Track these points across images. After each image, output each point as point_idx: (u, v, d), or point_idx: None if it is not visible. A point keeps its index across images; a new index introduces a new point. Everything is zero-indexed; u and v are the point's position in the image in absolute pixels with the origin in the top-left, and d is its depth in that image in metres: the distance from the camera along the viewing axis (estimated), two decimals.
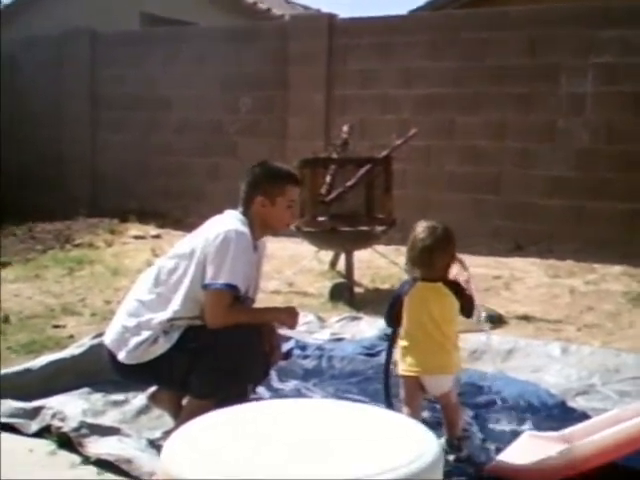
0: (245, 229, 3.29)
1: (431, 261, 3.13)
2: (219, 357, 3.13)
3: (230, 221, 3.32)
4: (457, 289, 3.18)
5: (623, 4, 8.10)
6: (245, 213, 3.40)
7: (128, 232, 9.09)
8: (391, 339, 3.50)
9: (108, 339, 3.31)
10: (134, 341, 3.19)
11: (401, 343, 3.23)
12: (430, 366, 3.14)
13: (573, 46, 8.23)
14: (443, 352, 3.14)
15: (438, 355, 3.14)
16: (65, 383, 3.91)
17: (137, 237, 8.83)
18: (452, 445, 3.18)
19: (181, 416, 3.27)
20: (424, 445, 2.20)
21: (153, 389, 3.54)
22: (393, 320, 3.28)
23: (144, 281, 3.38)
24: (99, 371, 3.99)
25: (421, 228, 3.17)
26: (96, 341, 4.20)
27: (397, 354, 3.29)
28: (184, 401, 3.43)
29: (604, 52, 8.10)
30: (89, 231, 8.95)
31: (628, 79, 8.00)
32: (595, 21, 8.13)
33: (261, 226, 3.41)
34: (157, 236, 8.98)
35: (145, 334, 3.18)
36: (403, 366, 3.20)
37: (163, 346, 3.17)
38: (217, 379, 3.14)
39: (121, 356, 3.22)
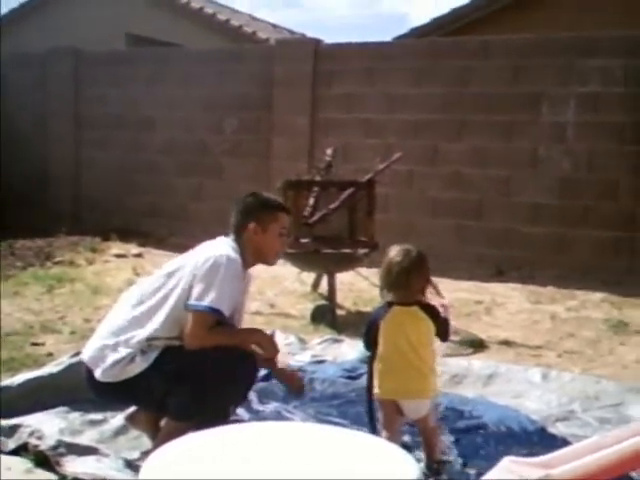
0: (237, 256, 3.30)
1: (407, 284, 3.14)
2: (197, 379, 3.10)
3: (222, 247, 3.32)
4: (432, 312, 3.18)
5: (605, 35, 8.21)
6: (237, 241, 3.40)
7: (110, 250, 9.05)
8: (370, 362, 3.51)
9: (86, 355, 3.28)
10: (111, 359, 3.16)
11: (378, 367, 3.23)
12: (407, 390, 3.14)
13: (555, 75, 8.34)
14: (420, 376, 3.14)
15: (415, 379, 3.14)
16: (43, 401, 3.86)
17: (118, 255, 8.78)
18: (431, 468, 3.18)
19: (159, 437, 3.23)
20: (403, 469, 2.19)
21: (131, 410, 3.51)
22: (370, 344, 3.28)
23: (126, 299, 3.37)
24: (77, 390, 3.94)
25: (395, 252, 3.19)
26: (75, 359, 4.15)
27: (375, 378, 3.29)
28: (162, 422, 3.39)
29: (586, 82, 8.20)
30: (70, 249, 8.89)
31: (610, 108, 8.10)
32: (577, 51, 8.24)
33: (253, 254, 3.42)
34: (139, 255, 8.94)
35: (122, 352, 3.16)
36: (380, 390, 3.19)
37: (140, 365, 3.14)
38: (195, 402, 3.11)
39: (97, 373, 3.19)
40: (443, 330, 3.22)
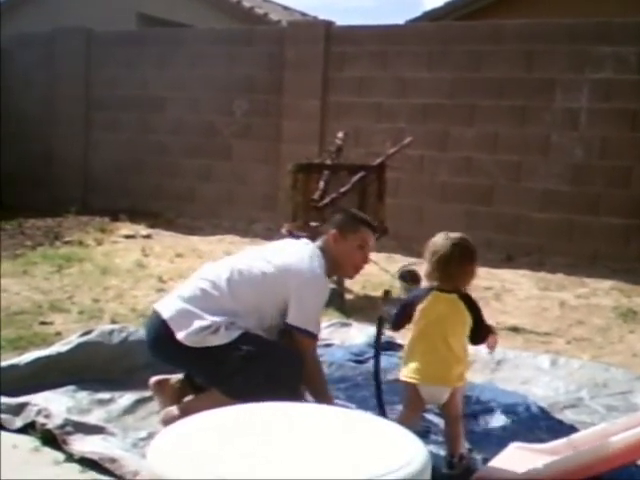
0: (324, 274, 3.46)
1: (447, 271, 3.12)
2: (268, 371, 3.21)
3: (313, 262, 3.44)
4: (472, 305, 3.17)
5: (618, 21, 8.15)
6: (321, 248, 3.53)
7: (119, 231, 9.05)
8: (377, 346, 3.51)
9: (167, 314, 3.32)
10: (197, 324, 3.24)
11: (405, 348, 3.24)
12: (427, 376, 3.12)
13: (569, 61, 8.28)
14: (444, 364, 3.11)
15: (437, 366, 3.12)
16: (51, 380, 3.86)
17: (127, 236, 8.78)
18: (450, 463, 3.14)
19: (194, 403, 3.35)
20: (412, 453, 2.18)
21: (160, 377, 3.57)
22: (400, 323, 3.28)
23: (211, 275, 3.44)
24: (86, 369, 3.99)
25: (440, 238, 3.19)
26: (84, 339, 4.17)
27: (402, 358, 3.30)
28: (185, 399, 3.50)
29: (599, 68, 8.14)
30: (79, 229, 8.91)
31: (623, 95, 8.05)
32: (591, 37, 8.18)
33: (332, 264, 3.52)
34: (147, 236, 8.94)
35: (209, 320, 3.24)
36: (403, 372, 3.19)
37: (222, 338, 3.23)
38: (260, 387, 3.15)
39: (180, 335, 3.24)
40: (481, 332, 3.20)
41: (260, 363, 3.22)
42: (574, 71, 8.25)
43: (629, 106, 8.02)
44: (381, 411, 3.41)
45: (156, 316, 3.39)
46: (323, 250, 3.51)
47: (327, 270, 3.48)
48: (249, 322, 3.33)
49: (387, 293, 3.58)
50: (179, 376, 3.59)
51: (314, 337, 3.44)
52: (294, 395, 3.28)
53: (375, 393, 3.50)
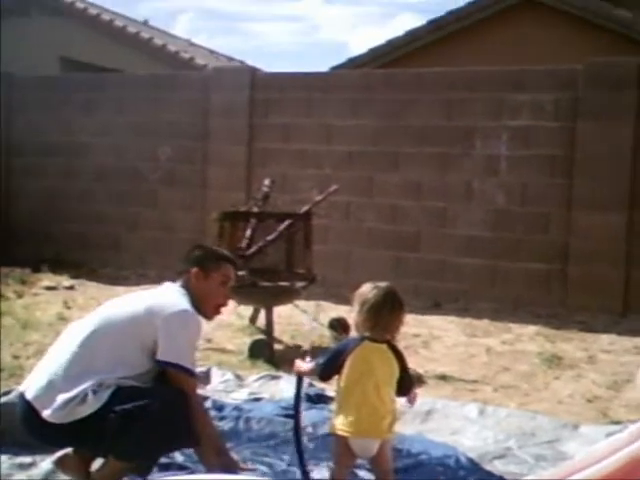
0: (191, 308, 3.32)
1: (378, 321, 3.14)
2: (152, 420, 3.04)
3: (179, 298, 3.33)
4: (400, 356, 3.20)
5: (534, 69, 8.42)
6: (185, 287, 3.43)
7: (40, 282, 8.81)
8: (297, 397, 3.48)
9: (30, 394, 3.15)
10: (61, 398, 3.07)
11: (336, 400, 3.22)
12: (359, 428, 3.10)
13: (487, 109, 8.49)
14: (376, 415, 3.11)
15: (369, 417, 3.11)
16: None
17: (49, 288, 8.57)
18: None
19: (100, 474, 3.19)
20: None
21: (61, 453, 3.39)
22: (329, 373, 3.25)
23: (72, 335, 3.28)
24: (5, 431, 3.82)
25: (367, 288, 3.20)
26: (2, 400, 4.02)
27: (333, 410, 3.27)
28: (93, 466, 3.32)
29: (517, 115, 8.37)
30: None
31: (541, 142, 8.28)
32: (508, 85, 8.42)
33: (197, 303, 3.39)
34: (70, 287, 8.74)
35: (74, 392, 3.07)
36: (335, 424, 3.16)
37: (92, 406, 3.06)
38: (147, 442, 3.06)
39: (46, 414, 3.07)
40: (406, 383, 3.22)
41: (140, 416, 3.05)
42: (493, 118, 8.47)
43: (548, 152, 8.26)
44: (302, 467, 3.38)
45: (21, 397, 3.22)
46: (186, 289, 3.42)
47: (192, 308, 3.36)
48: (119, 374, 3.16)
49: (305, 353, 3.55)
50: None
51: (191, 374, 3.24)
52: (189, 433, 3.17)
53: (296, 447, 3.44)
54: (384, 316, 3.15)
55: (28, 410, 3.15)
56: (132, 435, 3.05)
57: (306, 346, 3.53)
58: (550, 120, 8.26)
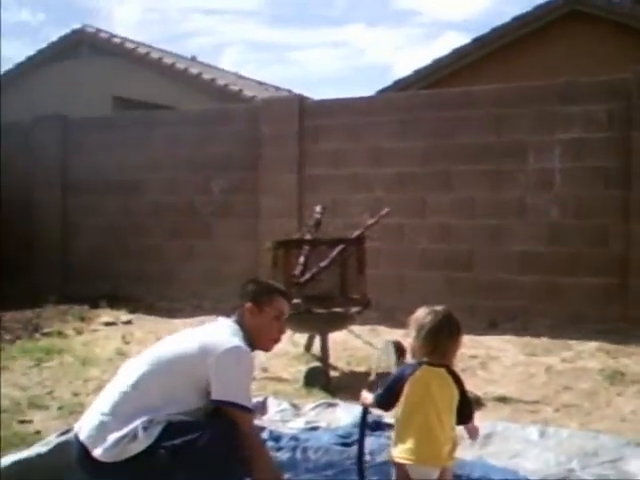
0: (244, 345, 3.32)
1: (436, 345, 3.10)
2: (201, 455, 3.05)
3: (230, 334, 3.34)
4: (459, 381, 3.14)
5: (584, 80, 8.30)
6: (239, 322, 3.45)
7: (99, 318, 8.95)
8: (362, 426, 3.43)
9: (83, 435, 3.18)
10: (112, 437, 3.09)
11: (396, 427, 3.17)
12: (420, 455, 3.05)
13: (538, 123, 8.40)
14: (436, 442, 3.05)
15: (430, 445, 3.05)
16: None
17: (108, 323, 8.68)
18: None
19: None
20: None
21: None
22: (389, 401, 3.20)
23: (125, 374, 3.31)
24: (66, 469, 3.86)
25: (423, 312, 3.18)
26: (63, 438, 4.07)
27: (391, 438, 3.21)
28: None
29: (569, 128, 8.25)
30: (59, 319, 8.79)
31: (594, 154, 8.14)
32: (558, 98, 8.31)
33: (250, 337, 3.42)
34: (128, 322, 8.85)
35: (124, 430, 3.09)
36: (395, 451, 3.12)
37: (143, 443, 3.07)
38: (197, 477, 3.06)
39: (97, 453, 3.10)
40: (466, 409, 3.16)
41: (190, 451, 3.05)
42: (544, 132, 8.36)
43: (601, 164, 8.11)
44: None
45: (75, 437, 3.24)
46: (240, 324, 3.43)
47: (246, 344, 3.36)
48: (170, 411, 3.16)
49: (373, 383, 3.50)
50: None
51: (247, 410, 3.22)
52: (240, 466, 3.16)
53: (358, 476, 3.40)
54: (442, 340, 3.11)
55: (82, 450, 3.18)
56: (182, 470, 3.05)
57: (372, 376, 3.47)
58: (603, 131, 8.13)
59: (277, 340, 3.58)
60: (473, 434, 3.27)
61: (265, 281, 3.81)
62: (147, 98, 14.17)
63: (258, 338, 3.45)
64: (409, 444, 3.05)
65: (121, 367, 3.46)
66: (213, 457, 3.06)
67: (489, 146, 8.62)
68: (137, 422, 3.10)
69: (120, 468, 3.09)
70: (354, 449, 4.31)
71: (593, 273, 8.07)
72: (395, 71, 47.39)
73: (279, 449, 4.42)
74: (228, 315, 3.51)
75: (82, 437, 3.18)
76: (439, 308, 3.19)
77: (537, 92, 8.49)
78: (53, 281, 10.83)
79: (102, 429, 3.13)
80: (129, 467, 3.08)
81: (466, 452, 4.30)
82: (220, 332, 3.37)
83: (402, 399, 3.12)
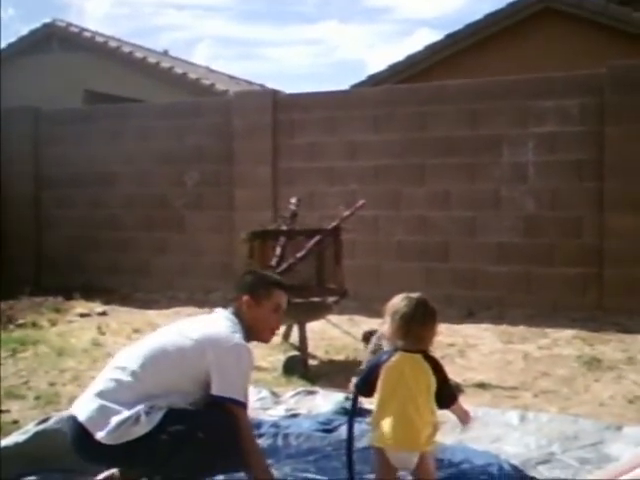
0: (244, 342, 3.33)
1: (411, 331, 3.10)
2: (202, 443, 3.06)
3: (230, 329, 3.33)
4: (436, 366, 3.13)
5: (558, 76, 8.37)
6: (236, 314, 3.43)
7: (73, 310, 8.87)
8: (352, 412, 3.42)
9: (83, 416, 3.16)
10: (115, 420, 3.08)
11: (373, 413, 3.17)
12: (395, 440, 3.05)
13: (513, 117, 8.46)
14: (412, 427, 3.05)
15: (405, 430, 3.05)
16: (10, 472, 3.70)
17: (82, 315, 8.61)
18: None
19: None
20: None
21: (104, 474, 3.39)
22: (367, 388, 3.21)
23: (121, 363, 3.29)
24: (45, 458, 3.83)
25: (398, 299, 3.18)
26: (41, 427, 4.03)
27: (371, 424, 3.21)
28: None
29: (543, 122, 8.33)
30: (33, 310, 8.69)
31: (568, 147, 8.23)
32: (532, 93, 8.38)
33: (248, 330, 3.41)
34: (103, 313, 8.78)
35: (126, 414, 3.09)
36: (372, 437, 3.13)
37: (144, 427, 3.07)
38: (197, 464, 3.07)
39: (99, 435, 3.08)
40: (446, 394, 3.15)
41: (191, 439, 3.07)
42: (519, 126, 8.43)
43: (575, 157, 8.20)
44: None
45: (73, 420, 3.21)
46: (237, 316, 3.42)
47: (244, 336, 3.37)
48: (171, 399, 3.18)
49: (370, 334, 3.50)
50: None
51: (243, 406, 3.26)
52: (237, 456, 3.17)
53: (347, 463, 3.38)
54: (416, 326, 3.11)
55: (80, 432, 3.15)
56: (182, 457, 3.06)
57: (363, 365, 3.45)
58: (576, 125, 8.21)
59: (275, 331, 3.58)
60: (464, 419, 3.27)
61: (263, 273, 3.79)
62: (118, 92, 14.03)
63: (256, 330, 3.45)
64: (385, 429, 3.06)
65: (118, 353, 3.45)
66: (212, 446, 3.07)
67: (464, 139, 8.67)
68: (139, 407, 3.10)
69: (120, 450, 3.09)
70: (335, 435, 4.34)
71: (568, 263, 8.16)
72: (369, 68, 47.53)
73: (260, 436, 4.38)
74: (225, 306, 3.50)
75: (82, 419, 3.16)
76: (414, 295, 3.19)
77: (511, 87, 8.55)
78: (27, 273, 10.71)
79: (103, 412, 3.12)
80: (129, 450, 3.08)
81: (446, 437, 4.32)
82: (218, 325, 3.36)
83: (378, 385, 3.12)
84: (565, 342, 6.98)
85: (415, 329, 3.11)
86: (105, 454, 3.14)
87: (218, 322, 3.39)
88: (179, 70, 14.98)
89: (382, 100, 9.16)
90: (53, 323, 8.19)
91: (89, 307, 9.04)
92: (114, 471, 3.38)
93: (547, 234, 8.28)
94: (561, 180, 8.24)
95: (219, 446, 3.09)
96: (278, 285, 3.55)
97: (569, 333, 7.28)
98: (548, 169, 8.30)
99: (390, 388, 3.10)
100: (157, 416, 3.10)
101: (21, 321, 8.12)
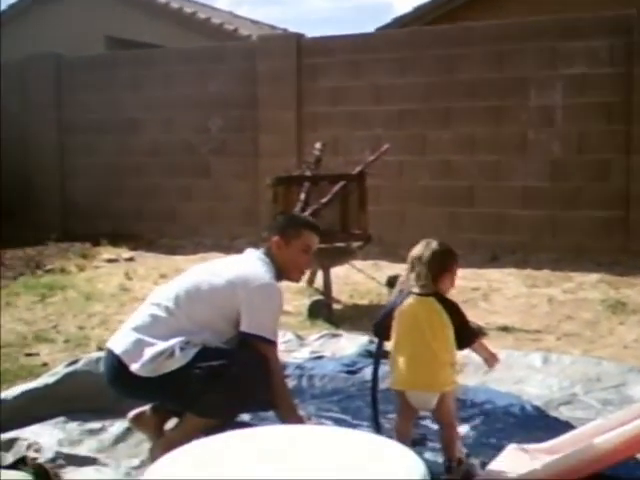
0: (275, 281, 3.39)
1: (424, 274, 3.11)
2: (235, 380, 3.12)
3: (261, 268, 3.38)
4: (451, 307, 3.13)
5: (587, 16, 8.20)
6: (267, 254, 3.48)
7: (100, 256, 8.98)
8: (377, 354, 3.45)
9: (119, 349, 3.23)
10: (149, 352, 3.14)
11: (390, 357, 3.20)
12: (411, 382, 3.09)
13: (540, 59, 8.33)
14: (428, 369, 3.08)
15: (421, 371, 3.08)
16: (40, 413, 3.78)
17: (110, 260, 8.73)
18: (447, 468, 3.11)
19: (176, 431, 3.26)
20: (409, 470, 2.14)
21: (137, 410, 3.46)
22: (383, 332, 3.24)
23: (156, 301, 3.36)
24: (74, 399, 3.90)
25: (419, 245, 3.19)
26: (71, 369, 4.10)
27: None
28: (166, 426, 3.39)
29: (572, 64, 8.18)
30: (60, 256, 8.82)
31: (597, 90, 8.09)
32: (561, 34, 8.23)
33: (279, 270, 3.46)
34: (130, 259, 8.89)
35: (161, 346, 3.15)
36: (391, 379, 3.17)
37: (179, 361, 3.13)
38: (229, 400, 3.13)
39: (135, 367, 3.15)
40: (463, 334, 3.14)
41: (224, 375, 3.12)
42: (547, 68, 8.30)
43: (604, 99, 8.07)
44: (376, 421, 3.36)
45: (109, 353, 3.28)
46: (269, 256, 3.47)
47: (274, 275, 3.42)
48: (205, 337, 3.24)
49: (394, 279, 3.52)
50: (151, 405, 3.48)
51: (272, 343, 3.32)
52: (267, 395, 3.25)
53: (371, 404, 3.43)
54: (433, 270, 3.11)
55: (116, 364, 3.22)
56: (215, 392, 3.12)
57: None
58: (605, 67, 8.07)
59: (305, 271, 3.64)
60: (491, 361, 3.28)
61: (294, 214, 3.85)
62: (140, 38, 13.92)
63: (286, 270, 3.50)
64: (401, 372, 3.09)
65: (154, 291, 3.53)
66: (245, 383, 3.13)
67: (490, 82, 8.55)
68: (174, 341, 3.16)
69: (154, 384, 3.15)
70: (358, 377, 4.41)
71: (594, 207, 8.09)
72: (395, 9, 46.63)
73: (285, 377, 4.46)
74: (257, 247, 3.56)
75: (118, 351, 3.22)
76: (434, 241, 3.19)
77: (539, 28, 8.39)
78: (53, 220, 10.82)
79: (139, 345, 3.19)
80: (163, 383, 3.14)
81: (470, 379, 4.36)
82: (250, 265, 3.40)
83: (393, 329, 3.15)
84: (590, 286, 6.96)
85: (432, 273, 3.11)
86: (139, 387, 3.20)
87: (250, 262, 3.44)
88: (202, 15, 14.80)
89: (407, 43, 9.04)
90: (81, 268, 8.31)
91: (116, 253, 9.15)
92: (146, 408, 3.45)
93: (573, 178, 8.19)
94: (588, 123, 8.13)
95: (251, 383, 3.15)
96: (308, 226, 3.58)
97: (594, 277, 7.25)
98: (575, 112, 8.18)
99: (404, 331, 3.12)
100: (191, 352, 3.15)
101: (49, 267, 8.25)
